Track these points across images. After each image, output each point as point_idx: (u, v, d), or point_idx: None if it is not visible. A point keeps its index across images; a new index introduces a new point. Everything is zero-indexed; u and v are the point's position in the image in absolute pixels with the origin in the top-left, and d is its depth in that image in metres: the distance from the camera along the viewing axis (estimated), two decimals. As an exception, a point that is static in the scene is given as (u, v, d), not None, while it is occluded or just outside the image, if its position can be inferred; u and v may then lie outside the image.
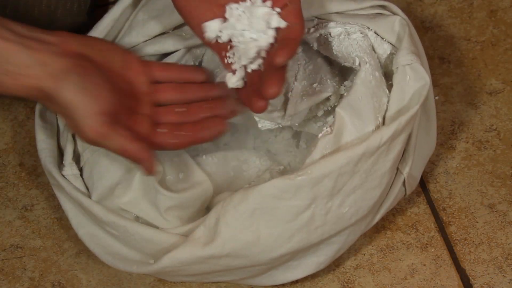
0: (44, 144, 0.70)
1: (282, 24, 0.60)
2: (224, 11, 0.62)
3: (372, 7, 0.71)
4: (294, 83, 0.70)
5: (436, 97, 0.82)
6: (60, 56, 0.60)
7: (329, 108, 0.72)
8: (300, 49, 0.73)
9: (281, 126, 0.72)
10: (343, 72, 0.74)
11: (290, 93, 0.70)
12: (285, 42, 0.60)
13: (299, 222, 0.63)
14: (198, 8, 0.63)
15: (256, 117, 0.72)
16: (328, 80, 0.71)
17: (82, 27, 0.87)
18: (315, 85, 0.71)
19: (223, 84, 0.64)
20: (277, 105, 0.70)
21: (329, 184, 0.63)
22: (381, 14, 0.71)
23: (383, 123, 0.66)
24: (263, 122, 0.72)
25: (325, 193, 0.63)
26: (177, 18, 0.71)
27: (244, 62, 0.62)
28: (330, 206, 0.64)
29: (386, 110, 0.66)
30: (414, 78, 0.66)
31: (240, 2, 0.62)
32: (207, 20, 0.62)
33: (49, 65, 0.59)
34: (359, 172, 0.64)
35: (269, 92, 0.59)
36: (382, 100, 0.66)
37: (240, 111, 0.66)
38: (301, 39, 0.61)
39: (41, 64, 0.59)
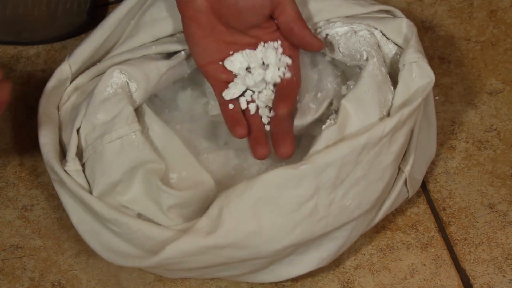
0: (46, 139, 0.70)
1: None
2: (228, 50, 0.68)
3: (379, 11, 0.72)
4: (305, 96, 0.71)
5: (436, 97, 0.82)
6: None
7: (333, 112, 0.72)
8: (308, 59, 0.74)
9: None
10: (346, 74, 0.74)
11: (299, 104, 0.71)
12: (284, 94, 0.68)
13: (303, 213, 0.64)
14: (207, 48, 0.68)
15: None
16: (329, 84, 0.72)
17: (82, 27, 0.87)
18: (319, 94, 0.71)
19: None
20: None
21: (333, 174, 0.63)
22: (387, 17, 0.72)
23: (388, 117, 0.67)
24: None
25: (328, 183, 0.63)
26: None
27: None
28: (334, 198, 0.64)
29: (391, 106, 0.67)
30: (419, 75, 0.67)
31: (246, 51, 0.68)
32: (214, 59, 0.69)
33: None
34: (362, 163, 0.64)
35: (282, 152, 0.66)
36: (387, 96, 0.67)
37: None
38: (298, 91, 0.69)
39: None
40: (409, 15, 0.87)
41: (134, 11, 0.74)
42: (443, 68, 0.84)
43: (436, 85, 0.82)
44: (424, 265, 0.74)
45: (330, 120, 0.66)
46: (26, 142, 0.82)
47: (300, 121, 0.70)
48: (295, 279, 0.72)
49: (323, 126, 0.65)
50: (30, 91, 0.85)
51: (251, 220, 0.63)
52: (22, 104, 0.84)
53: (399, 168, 0.70)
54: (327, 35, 0.71)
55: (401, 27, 0.70)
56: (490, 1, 0.87)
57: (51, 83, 0.73)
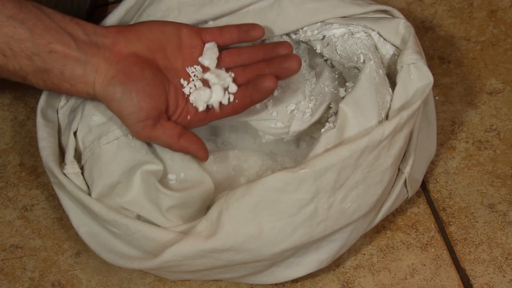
0: (45, 142, 0.70)
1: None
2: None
3: (376, 11, 0.72)
4: (302, 102, 0.71)
5: (436, 97, 0.82)
6: (110, 63, 0.64)
7: (332, 115, 0.72)
8: (306, 63, 0.74)
9: (285, 140, 0.72)
10: (344, 76, 0.74)
11: (295, 111, 0.70)
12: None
13: (302, 216, 0.64)
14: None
15: (260, 132, 0.72)
16: (326, 88, 0.72)
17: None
18: (317, 98, 0.71)
19: (282, 43, 0.67)
20: (284, 122, 0.70)
21: (332, 177, 0.63)
22: (384, 17, 0.71)
23: (386, 119, 0.66)
24: (267, 137, 0.72)
25: (328, 186, 0.63)
26: (182, 20, 0.71)
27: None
28: (333, 201, 0.64)
29: (389, 109, 0.67)
30: (418, 76, 0.67)
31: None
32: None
33: (101, 72, 0.64)
34: (361, 167, 0.64)
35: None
36: (385, 98, 0.67)
37: (297, 68, 0.67)
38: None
39: (95, 71, 0.64)
40: (409, 15, 0.87)
41: (132, 12, 0.74)
42: (443, 68, 0.84)
43: (436, 85, 0.82)
44: (424, 265, 0.74)
45: (329, 123, 0.65)
46: (26, 142, 0.82)
47: (298, 127, 0.70)
48: (295, 280, 0.72)
49: (322, 130, 0.65)
50: (30, 91, 0.85)
51: (250, 224, 0.63)
52: (22, 104, 0.84)
53: (399, 169, 0.70)
54: (324, 36, 0.71)
55: (398, 28, 0.70)
56: (490, 1, 0.87)
57: None
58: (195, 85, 0.67)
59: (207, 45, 0.68)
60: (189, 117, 0.67)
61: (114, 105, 0.64)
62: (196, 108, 0.67)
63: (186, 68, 0.68)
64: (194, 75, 0.68)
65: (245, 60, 0.69)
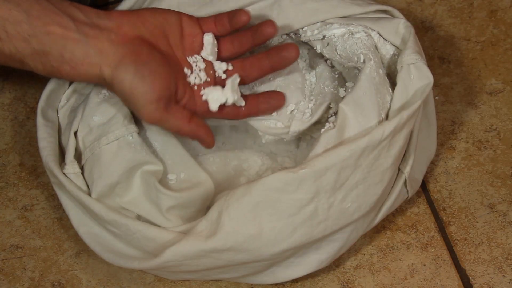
0: (45, 142, 0.70)
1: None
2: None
3: (376, 11, 0.72)
4: (302, 102, 0.71)
5: (436, 97, 0.82)
6: (116, 44, 0.63)
7: (332, 115, 0.72)
8: (306, 63, 0.74)
9: (285, 140, 0.72)
10: (344, 76, 0.74)
11: (295, 111, 0.70)
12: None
13: (302, 216, 0.64)
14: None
15: (260, 132, 0.72)
16: (326, 88, 0.72)
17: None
18: (317, 98, 0.71)
19: (265, 22, 0.67)
20: (284, 122, 0.70)
21: (332, 178, 0.63)
22: (384, 17, 0.71)
23: (386, 119, 0.66)
24: (267, 137, 0.72)
25: (328, 186, 0.63)
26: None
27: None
28: (333, 201, 0.64)
29: (389, 109, 0.67)
30: (418, 76, 0.67)
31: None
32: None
33: (107, 54, 0.62)
34: (361, 167, 0.64)
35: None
36: (385, 98, 0.67)
37: (295, 57, 0.68)
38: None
39: (99, 52, 0.62)
40: (409, 15, 0.87)
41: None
42: (443, 68, 0.84)
43: (436, 85, 0.82)
44: (424, 265, 0.74)
45: (329, 123, 0.65)
46: (26, 142, 0.82)
47: (298, 127, 0.70)
48: (295, 280, 0.72)
49: (322, 130, 0.65)
50: (30, 91, 0.85)
51: (250, 224, 0.63)
52: (22, 104, 0.84)
53: (399, 169, 0.70)
54: (324, 36, 0.71)
55: (398, 28, 0.70)
56: (490, 1, 0.87)
57: (49, 86, 0.73)
58: (199, 75, 0.67)
59: (206, 37, 0.68)
60: (194, 107, 0.67)
61: (125, 85, 0.63)
62: (204, 102, 0.67)
63: (187, 58, 0.68)
64: (196, 65, 0.68)
65: (238, 48, 0.69)
